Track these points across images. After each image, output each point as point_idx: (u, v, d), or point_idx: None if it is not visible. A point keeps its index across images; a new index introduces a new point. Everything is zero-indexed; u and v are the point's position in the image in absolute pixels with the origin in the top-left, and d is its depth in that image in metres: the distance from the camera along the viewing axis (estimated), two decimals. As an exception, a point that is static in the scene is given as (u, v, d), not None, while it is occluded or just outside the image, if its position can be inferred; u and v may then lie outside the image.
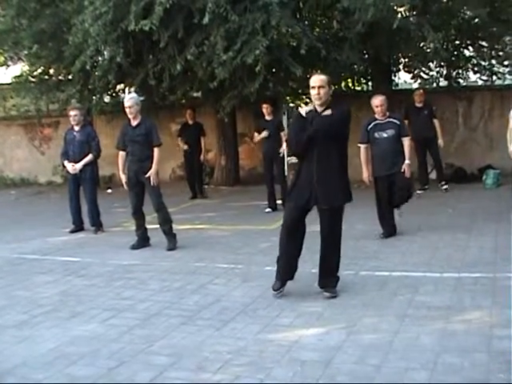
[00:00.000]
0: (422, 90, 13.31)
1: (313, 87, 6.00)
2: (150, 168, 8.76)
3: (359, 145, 8.94)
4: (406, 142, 8.79)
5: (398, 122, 8.75)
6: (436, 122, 12.98)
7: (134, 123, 8.88)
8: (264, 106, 11.66)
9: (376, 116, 8.76)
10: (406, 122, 12.55)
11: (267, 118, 11.72)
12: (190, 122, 14.18)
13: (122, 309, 6.11)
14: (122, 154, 9.08)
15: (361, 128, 8.95)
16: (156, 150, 8.85)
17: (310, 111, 6.10)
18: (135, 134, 8.83)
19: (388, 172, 8.68)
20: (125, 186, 9.02)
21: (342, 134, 6.04)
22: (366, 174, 8.83)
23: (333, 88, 6.28)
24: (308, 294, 6.19)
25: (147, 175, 8.71)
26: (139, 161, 8.81)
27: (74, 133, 10.35)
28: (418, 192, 12.00)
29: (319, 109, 6.04)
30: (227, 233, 9.95)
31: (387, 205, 8.80)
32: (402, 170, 8.62)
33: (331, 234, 6.14)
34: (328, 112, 6.01)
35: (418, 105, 13.03)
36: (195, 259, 8.06)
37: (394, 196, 8.73)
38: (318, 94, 5.96)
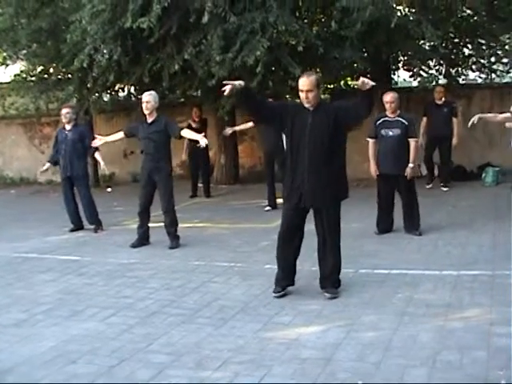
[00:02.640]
0: (442, 87, 13.20)
1: (301, 90, 5.91)
2: (165, 168, 8.78)
3: (368, 139, 8.98)
4: (413, 143, 8.67)
5: (406, 123, 8.64)
6: (455, 120, 12.82)
7: (150, 120, 8.83)
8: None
9: (387, 113, 8.75)
10: (425, 118, 12.59)
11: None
12: (196, 120, 14.15)
13: (121, 307, 6.12)
14: (121, 133, 9.25)
15: (371, 123, 8.98)
16: (184, 131, 9.01)
17: (301, 106, 6.03)
18: (150, 131, 8.78)
19: (389, 172, 8.70)
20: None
21: (335, 132, 5.93)
22: (373, 169, 8.86)
23: (322, 88, 6.19)
24: (307, 292, 6.21)
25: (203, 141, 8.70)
26: (153, 160, 8.76)
27: (66, 132, 10.31)
28: (427, 186, 12.51)
29: (310, 108, 5.96)
30: (227, 231, 9.97)
31: (386, 203, 8.84)
32: (406, 174, 8.57)
33: (327, 236, 6.10)
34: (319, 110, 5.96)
35: (438, 102, 12.87)
36: (195, 257, 8.07)
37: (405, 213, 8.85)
38: (307, 98, 5.89)
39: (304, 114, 5.98)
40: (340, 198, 6.13)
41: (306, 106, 5.96)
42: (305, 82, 5.89)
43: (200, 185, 14.25)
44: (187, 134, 9.00)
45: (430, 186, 12.88)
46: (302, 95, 5.92)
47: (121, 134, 9.24)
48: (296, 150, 6.00)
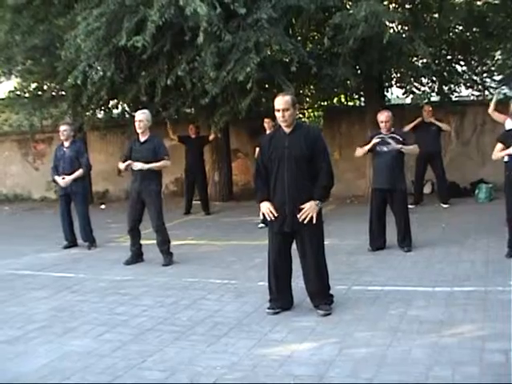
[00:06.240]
0: (430, 106, 13.30)
1: (277, 110, 5.92)
2: (155, 188, 8.79)
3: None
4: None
5: (401, 139, 8.78)
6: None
7: (142, 139, 8.84)
8: (266, 120, 11.67)
9: (381, 131, 8.86)
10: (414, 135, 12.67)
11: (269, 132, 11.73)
12: (193, 137, 14.17)
13: (115, 324, 6.11)
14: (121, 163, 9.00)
15: (365, 137, 9.31)
16: (164, 161, 8.81)
17: (277, 131, 6.14)
18: (142, 150, 8.78)
19: (384, 186, 8.77)
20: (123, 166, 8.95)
21: (313, 154, 5.93)
22: None
23: (298, 108, 6.19)
24: (300, 309, 6.20)
25: (145, 167, 8.62)
26: (143, 179, 8.73)
27: (64, 149, 10.33)
28: (410, 206, 11.94)
29: (286, 130, 6.00)
30: (220, 248, 9.96)
31: (378, 220, 8.87)
32: None
33: (309, 257, 6.03)
34: (296, 133, 5.98)
35: (427, 120, 13.01)
36: (188, 275, 8.07)
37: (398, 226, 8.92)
38: (283, 116, 5.90)
39: (281, 138, 6.02)
40: (320, 220, 6.07)
41: (283, 126, 5.99)
42: (281, 101, 5.92)
43: (195, 202, 14.23)
44: (163, 162, 8.82)
45: (413, 207, 11.93)
46: (279, 114, 5.92)
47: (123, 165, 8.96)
48: (275, 173, 6.00)
